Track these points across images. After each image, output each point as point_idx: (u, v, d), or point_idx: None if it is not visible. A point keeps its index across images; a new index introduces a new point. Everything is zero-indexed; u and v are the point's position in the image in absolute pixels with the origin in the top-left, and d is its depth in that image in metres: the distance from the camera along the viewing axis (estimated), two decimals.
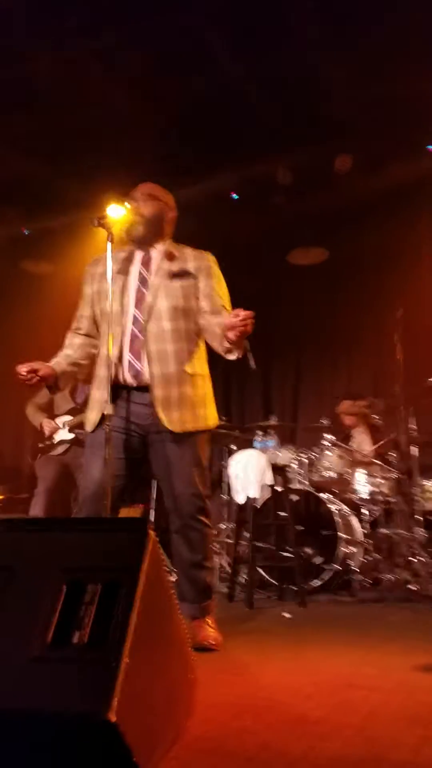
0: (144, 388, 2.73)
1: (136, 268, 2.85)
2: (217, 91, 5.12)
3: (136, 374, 2.73)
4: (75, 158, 5.66)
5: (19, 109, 5.21)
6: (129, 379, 2.74)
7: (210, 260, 2.92)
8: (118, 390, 2.73)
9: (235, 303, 2.72)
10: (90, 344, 2.94)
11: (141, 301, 2.79)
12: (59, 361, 2.86)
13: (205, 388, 2.85)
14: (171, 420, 2.69)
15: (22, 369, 2.70)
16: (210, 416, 2.84)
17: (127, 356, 2.75)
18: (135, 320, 2.77)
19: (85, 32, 4.51)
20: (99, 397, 2.76)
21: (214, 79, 5.00)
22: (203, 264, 2.88)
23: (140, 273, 2.84)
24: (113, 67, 4.89)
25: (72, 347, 2.93)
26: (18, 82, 4.95)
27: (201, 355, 2.88)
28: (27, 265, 7.08)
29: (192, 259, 2.88)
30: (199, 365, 2.84)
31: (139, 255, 2.89)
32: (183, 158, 5.80)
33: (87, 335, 2.94)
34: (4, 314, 6.85)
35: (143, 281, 2.82)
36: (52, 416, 5.27)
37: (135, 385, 2.74)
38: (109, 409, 2.57)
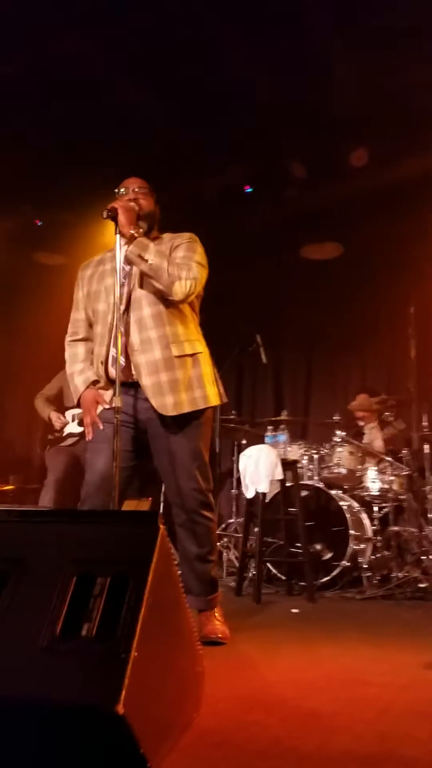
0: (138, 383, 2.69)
1: (119, 265, 2.72)
2: (228, 84, 5.09)
3: (122, 369, 2.65)
4: (86, 150, 5.65)
5: (30, 102, 5.21)
6: (113, 374, 2.67)
7: (185, 236, 2.83)
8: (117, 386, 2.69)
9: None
10: (92, 351, 2.90)
11: (123, 295, 2.74)
12: (92, 377, 2.82)
13: (198, 369, 2.75)
14: (165, 405, 2.64)
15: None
16: (208, 396, 2.75)
17: (111, 352, 2.72)
18: (120, 316, 2.71)
19: (87, 27, 4.49)
20: None
21: (223, 71, 4.96)
22: (177, 241, 2.80)
23: (123, 269, 2.76)
24: (122, 61, 4.87)
25: (79, 358, 2.89)
26: (26, 75, 4.93)
27: (191, 335, 2.78)
28: (40, 257, 7.08)
29: (168, 240, 2.82)
30: (189, 346, 2.74)
31: (123, 251, 2.75)
32: (195, 151, 5.77)
33: (85, 339, 2.91)
34: (18, 306, 6.87)
35: (126, 276, 2.78)
36: (62, 408, 5.26)
37: (122, 380, 2.65)
38: (117, 402, 2.55)
